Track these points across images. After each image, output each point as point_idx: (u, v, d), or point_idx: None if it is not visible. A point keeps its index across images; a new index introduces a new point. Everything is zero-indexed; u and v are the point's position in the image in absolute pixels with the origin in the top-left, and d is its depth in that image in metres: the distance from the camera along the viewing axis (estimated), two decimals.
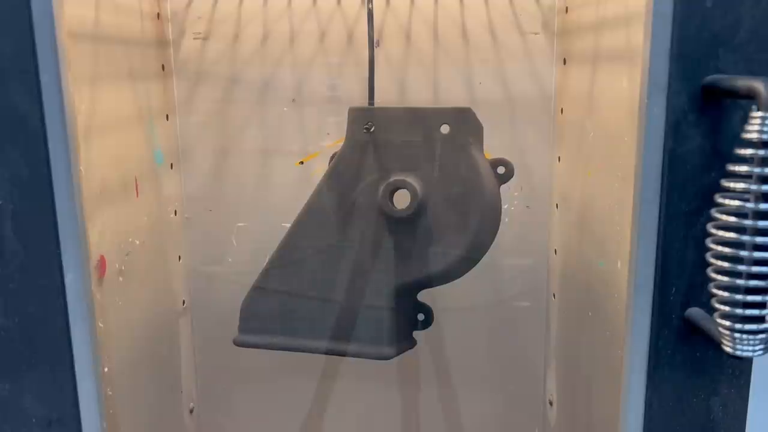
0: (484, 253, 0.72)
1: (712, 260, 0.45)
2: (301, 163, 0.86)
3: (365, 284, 0.73)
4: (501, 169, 0.72)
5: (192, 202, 0.88)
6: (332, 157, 0.74)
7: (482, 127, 0.70)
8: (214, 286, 0.90)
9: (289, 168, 0.86)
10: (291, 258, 0.74)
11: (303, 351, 0.75)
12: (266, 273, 0.75)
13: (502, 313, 0.89)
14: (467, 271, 0.72)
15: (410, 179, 0.70)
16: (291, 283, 0.74)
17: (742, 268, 0.43)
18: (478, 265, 0.73)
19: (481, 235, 0.71)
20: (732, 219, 0.44)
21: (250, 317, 0.75)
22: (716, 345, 0.46)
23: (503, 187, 0.83)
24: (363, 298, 0.73)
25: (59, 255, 0.52)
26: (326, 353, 0.75)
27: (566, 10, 0.79)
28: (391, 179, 0.71)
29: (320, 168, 0.75)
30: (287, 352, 0.75)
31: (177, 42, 0.84)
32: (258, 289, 0.75)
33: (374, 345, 0.74)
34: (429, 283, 0.74)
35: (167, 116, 0.84)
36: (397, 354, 0.74)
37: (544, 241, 0.87)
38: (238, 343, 0.76)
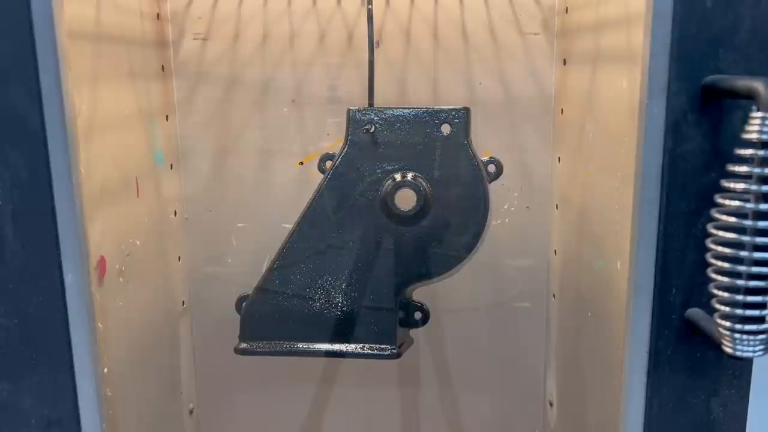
0: (476, 250, 0.73)
1: (712, 261, 0.45)
2: (301, 163, 0.86)
3: (368, 285, 0.73)
4: (491, 168, 0.73)
5: (192, 202, 0.88)
6: (321, 159, 0.74)
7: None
8: (214, 286, 0.90)
9: (289, 168, 0.86)
10: (292, 261, 0.74)
11: (307, 355, 0.75)
12: (267, 277, 0.74)
13: (502, 314, 0.89)
14: (460, 267, 0.73)
15: (413, 179, 0.70)
16: (292, 286, 0.74)
17: (742, 268, 0.43)
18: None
19: (479, 232, 0.71)
20: (732, 219, 0.43)
21: (251, 323, 0.75)
22: (716, 345, 0.46)
23: (503, 188, 0.84)
24: (366, 298, 0.73)
25: (59, 255, 0.52)
26: (331, 356, 0.75)
27: (566, 11, 0.79)
28: (398, 179, 0.71)
29: None
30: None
31: (177, 42, 0.84)
32: (259, 294, 0.74)
33: (380, 345, 0.74)
34: (427, 280, 0.74)
35: (167, 116, 0.84)
36: (403, 353, 0.75)
37: (544, 241, 0.87)
38: (240, 351, 0.75)
